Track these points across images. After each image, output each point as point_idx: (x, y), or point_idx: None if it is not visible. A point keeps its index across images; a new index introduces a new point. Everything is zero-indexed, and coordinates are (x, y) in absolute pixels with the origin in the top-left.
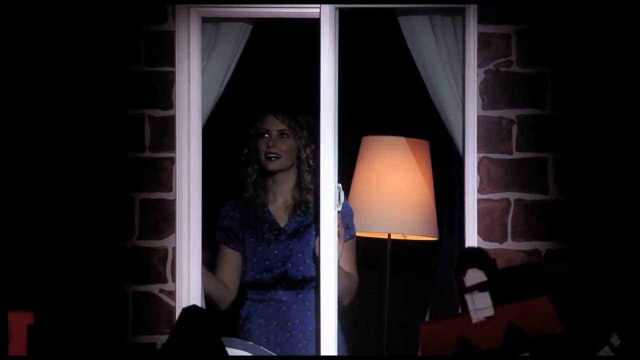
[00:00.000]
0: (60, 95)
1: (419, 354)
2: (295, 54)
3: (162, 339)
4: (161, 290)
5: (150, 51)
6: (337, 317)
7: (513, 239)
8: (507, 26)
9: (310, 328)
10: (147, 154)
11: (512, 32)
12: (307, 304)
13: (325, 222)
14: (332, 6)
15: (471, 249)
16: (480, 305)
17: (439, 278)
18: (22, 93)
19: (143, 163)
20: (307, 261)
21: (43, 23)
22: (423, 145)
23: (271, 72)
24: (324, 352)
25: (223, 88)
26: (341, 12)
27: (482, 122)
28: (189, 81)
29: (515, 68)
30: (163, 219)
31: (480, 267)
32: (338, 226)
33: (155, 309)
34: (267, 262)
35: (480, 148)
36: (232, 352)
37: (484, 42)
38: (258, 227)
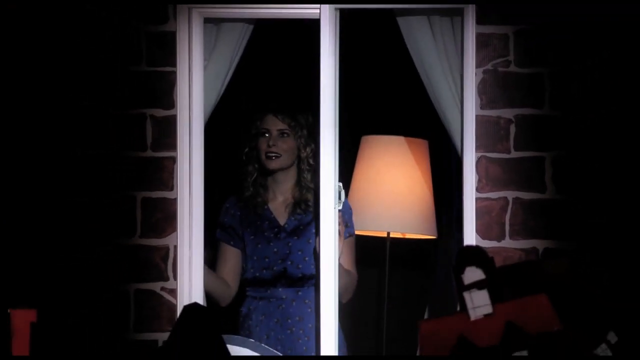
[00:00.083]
0: (61, 96)
1: (418, 352)
2: (296, 54)
3: (163, 337)
4: (163, 288)
5: (151, 51)
6: (337, 315)
7: (511, 237)
8: (505, 26)
9: (310, 325)
10: (149, 153)
11: (510, 32)
12: (306, 301)
13: (325, 221)
14: (332, 6)
15: (469, 247)
16: (479, 303)
17: (438, 276)
18: (23, 93)
19: (145, 162)
20: (307, 259)
21: (43, 23)
22: (422, 144)
23: (272, 72)
24: (324, 349)
25: (224, 88)
26: (341, 12)
27: (480, 121)
28: (190, 81)
29: (513, 68)
30: (164, 217)
31: (478, 265)
32: (338, 225)
33: (157, 306)
34: (267, 260)
35: (478, 147)
36: (232, 349)
37: (482, 42)
38: (258, 224)
